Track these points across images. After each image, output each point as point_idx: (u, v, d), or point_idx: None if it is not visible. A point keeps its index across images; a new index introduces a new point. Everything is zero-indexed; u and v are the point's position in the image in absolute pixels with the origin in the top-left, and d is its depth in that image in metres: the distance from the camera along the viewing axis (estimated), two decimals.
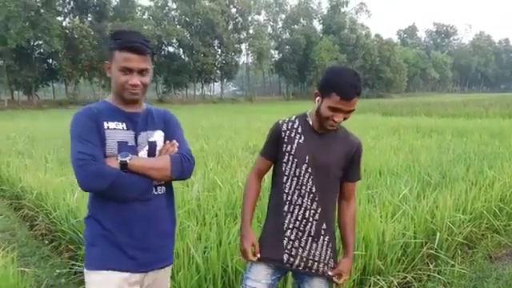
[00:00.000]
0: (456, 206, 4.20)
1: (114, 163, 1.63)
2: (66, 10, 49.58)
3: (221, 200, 4.10)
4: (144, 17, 54.70)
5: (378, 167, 6.15)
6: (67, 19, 49.03)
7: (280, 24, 73.31)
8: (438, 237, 3.64)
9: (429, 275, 3.42)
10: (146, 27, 49.64)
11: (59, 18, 47.25)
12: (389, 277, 3.15)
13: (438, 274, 3.43)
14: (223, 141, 9.63)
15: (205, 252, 3.03)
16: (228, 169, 6.00)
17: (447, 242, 3.75)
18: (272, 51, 70.48)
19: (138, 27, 47.16)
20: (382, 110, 23.76)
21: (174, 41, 55.04)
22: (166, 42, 54.83)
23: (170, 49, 57.91)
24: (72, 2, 48.76)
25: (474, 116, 17.48)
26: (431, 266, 3.51)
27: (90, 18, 49.44)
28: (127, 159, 1.63)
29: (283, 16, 72.83)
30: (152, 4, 57.08)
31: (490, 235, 4.33)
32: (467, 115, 17.90)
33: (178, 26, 55.65)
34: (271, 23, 72.97)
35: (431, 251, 3.60)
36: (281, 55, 70.69)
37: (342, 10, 72.83)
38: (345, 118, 1.81)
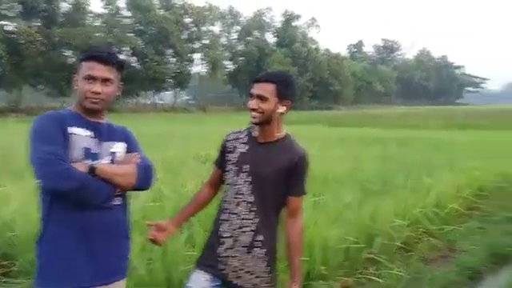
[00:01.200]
0: (395, 212, 4.43)
1: (81, 167, 1.63)
2: (11, 14, 46.96)
3: (168, 210, 4.05)
4: (96, 24, 53.00)
5: (323, 175, 6.35)
6: (13, 23, 46.47)
7: (234, 35, 73.82)
8: (378, 241, 3.82)
9: (369, 278, 3.57)
10: (97, 34, 48.07)
11: (2, 22, 44.68)
12: (331, 281, 3.26)
13: (378, 277, 3.59)
14: (173, 150, 9.52)
15: (149, 263, 2.98)
16: (177, 179, 5.93)
17: (386, 246, 3.94)
18: (226, 62, 70.70)
19: (88, 34, 45.62)
20: (330, 121, 24.55)
21: (127, 49, 53.80)
22: (117, 50, 53.49)
23: (122, 57, 56.54)
24: (19, 6, 46.30)
25: (416, 127, 18.50)
26: (371, 270, 3.67)
27: (38, 23, 47.14)
28: (96, 164, 1.66)
29: (238, 28, 73.44)
30: (105, 11, 55.52)
31: (425, 239, 4.60)
32: (409, 126, 18.90)
33: (131, 34, 54.46)
34: (226, 34, 73.35)
35: (372, 255, 3.77)
36: (235, 66, 71.04)
37: (294, 24, 74.66)
38: (261, 110, 1.83)
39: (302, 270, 3.15)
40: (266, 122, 1.88)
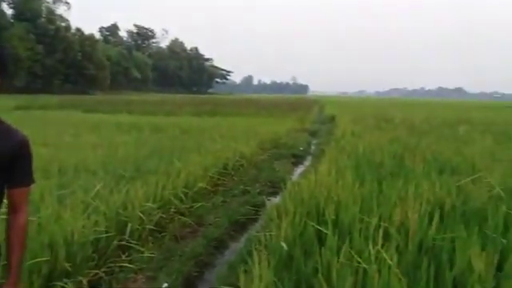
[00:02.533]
0: (147, 196, 4.50)
1: None
2: None
3: None
4: None
5: (74, 165, 5.89)
6: None
7: None
8: (129, 227, 3.79)
9: (121, 266, 3.51)
10: None
11: None
12: (78, 277, 3.03)
13: (130, 263, 3.57)
14: None
15: None
16: None
17: (138, 231, 3.96)
18: None
19: None
20: (84, 106, 22.96)
21: None
22: None
23: None
24: None
25: (170, 114, 19.35)
26: (123, 257, 3.61)
27: None
28: None
29: None
30: None
31: (177, 218, 4.86)
32: (165, 113, 19.60)
33: None
34: None
35: (123, 242, 3.71)
36: None
37: None
38: None
39: (43, 272, 2.83)
40: None
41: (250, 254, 3.16)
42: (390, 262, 2.50)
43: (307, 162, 9.78)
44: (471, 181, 4.59)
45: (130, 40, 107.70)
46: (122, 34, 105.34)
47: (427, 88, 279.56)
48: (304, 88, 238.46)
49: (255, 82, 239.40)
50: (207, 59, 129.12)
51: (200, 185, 5.83)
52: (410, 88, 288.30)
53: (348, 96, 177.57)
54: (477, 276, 2.52)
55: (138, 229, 3.94)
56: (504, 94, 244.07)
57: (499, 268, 2.72)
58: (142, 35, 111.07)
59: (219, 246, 4.57)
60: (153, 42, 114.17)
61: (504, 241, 3.10)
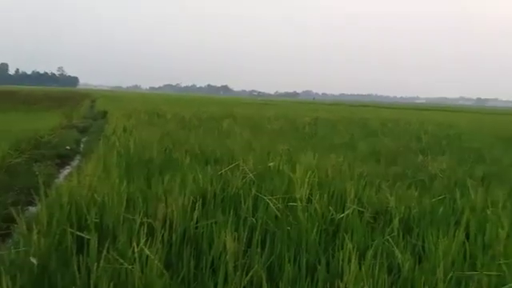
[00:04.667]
0: None
1: None
2: None
3: None
4: None
5: None
6: None
7: None
8: None
9: None
10: None
11: None
12: None
13: None
14: None
15: None
16: None
17: None
18: None
19: None
20: None
21: None
22: None
23: None
24: None
25: None
26: None
27: None
28: None
29: None
30: None
31: None
32: None
33: None
34: None
35: None
36: None
37: None
38: None
39: None
40: None
41: None
42: (153, 258, 2.51)
43: (75, 163, 8.99)
44: (230, 169, 5.10)
45: None
46: None
47: (198, 85, 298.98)
48: (73, 80, 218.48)
49: (12, 71, 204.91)
50: None
51: None
52: (183, 85, 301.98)
53: (122, 90, 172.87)
54: (230, 255, 2.80)
55: None
56: (260, 92, 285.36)
57: (250, 244, 3.10)
58: None
59: None
60: None
61: (253, 219, 3.57)
